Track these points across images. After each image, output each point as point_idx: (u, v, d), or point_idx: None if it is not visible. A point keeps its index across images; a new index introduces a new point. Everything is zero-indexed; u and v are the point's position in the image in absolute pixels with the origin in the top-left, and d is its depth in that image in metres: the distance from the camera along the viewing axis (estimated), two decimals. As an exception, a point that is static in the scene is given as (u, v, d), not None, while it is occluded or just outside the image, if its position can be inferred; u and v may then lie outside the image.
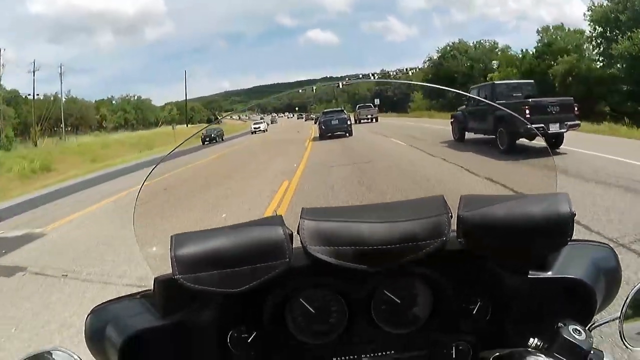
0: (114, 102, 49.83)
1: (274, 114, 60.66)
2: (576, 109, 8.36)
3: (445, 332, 0.65)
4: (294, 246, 0.59)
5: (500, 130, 7.77)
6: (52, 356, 0.60)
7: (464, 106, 9.52)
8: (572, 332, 0.55)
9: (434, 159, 4.36)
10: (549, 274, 0.63)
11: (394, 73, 62.22)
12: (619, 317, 0.60)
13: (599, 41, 23.42)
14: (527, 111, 7.82)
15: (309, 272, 0.62)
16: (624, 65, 20.28)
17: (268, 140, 13.27)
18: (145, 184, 0.84)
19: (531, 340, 0.57)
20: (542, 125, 7.58)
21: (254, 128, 19.09)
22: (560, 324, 0.57)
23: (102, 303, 0.68)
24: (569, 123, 8.00)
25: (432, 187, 3.36)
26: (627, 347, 0.60)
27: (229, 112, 68.19)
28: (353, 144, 9.63)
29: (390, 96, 40.68)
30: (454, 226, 0.59)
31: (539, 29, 28.44)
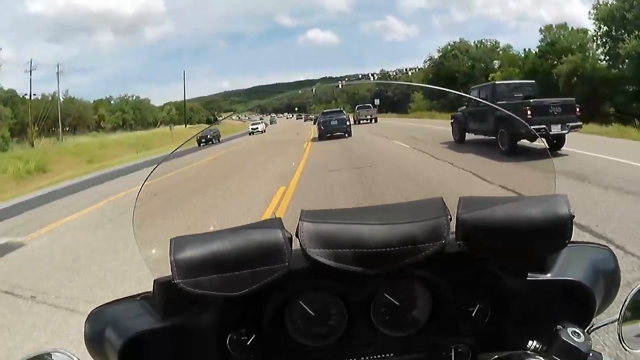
0: (112, 102, 49.70)
1: (273, 115, 60.76)
2: (578, 109, 8.25)
3: (444, 335, 0.65)
4: (293, 248, 0.58)
5: (502, 131, 7.68)
6: (51, 358, 0.59)
7: (464, 107, 9.50)
8: (570, 335, 0.55)
9: (436, 161, 4.30)
10: (548, 276, 0.63)
11: (394, 73, 62.22)
12: (618, 320, 0.60)
13: (604, 40, 23.02)
14: (529, 112, 7.74)
15: (309, 275, 0.62)
16: (630, 65, 19.94)
17: (266, 142, 13.18)
18: (144, 184, 0.84)
19: (530, 342, 0.58)
20: (544, 126, 7.50)
21: (252, 129, 18.64)
22: (559, 327, 0.57)
23: (102, 305, 0.67)
24: (570, 124, 7.89)
25: (434, 189, 3.32)
26: (625, 349, 0.60)
27: (230, 113, 68.16)
28: (352, 145, 9.57)
29: (391, 96, 40.59)
30: (453, 228, 0.59)
31: (542, 28, 28.04)
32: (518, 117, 1.59)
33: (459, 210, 0.60)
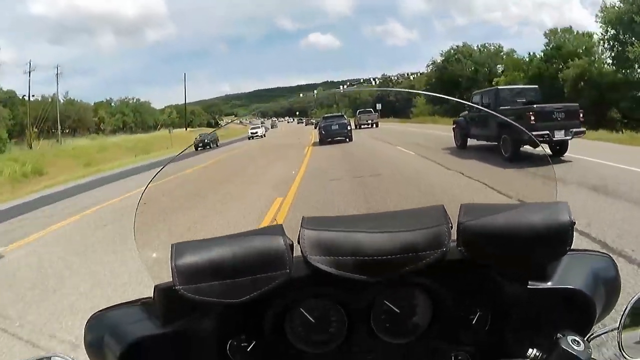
0: (112, 104, 49.56)
1: (274, 119, 61.23)
2: (581, 115, 8.05)
3: (444, 342, 0.65)
4: (294, 255, 0.58)
5: (504, 137, 7.68)
6: None
7: (466, 112, 9.37)
8: (570, 343, 0.55)
9: (439, 168, 4.29)
10: (548, 284, 0.62)
11: (395, 78, 62.20)
12: (618, 328, 0.60)
13: (611, 44, 22.56)
14: (532, 118, 7.57)
15: (309, 282, 0.62)
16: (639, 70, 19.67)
17: (266, 147, 12.90)
18: (145, 190, 0.84)
19: (530, 350, 0.58)
20: (547, 132, 7.31)
21: (251, 133, 17.80)
22: (559, 335, 0.57)
23: (102, 310, 0.67)
24: (574, 130, 7.70)
25: (437, 196, 3.26)
26: (625, 357, 0.60)
27: (233, 118, 68.06)
28: (353, 150, 9.73)
29: (392, 101, 40.36)
30: (454, 236, 0.59)
31: (547, 32, 27.47)
32: (518, 125, 1.31)
33: (460, 218, 0.59)
